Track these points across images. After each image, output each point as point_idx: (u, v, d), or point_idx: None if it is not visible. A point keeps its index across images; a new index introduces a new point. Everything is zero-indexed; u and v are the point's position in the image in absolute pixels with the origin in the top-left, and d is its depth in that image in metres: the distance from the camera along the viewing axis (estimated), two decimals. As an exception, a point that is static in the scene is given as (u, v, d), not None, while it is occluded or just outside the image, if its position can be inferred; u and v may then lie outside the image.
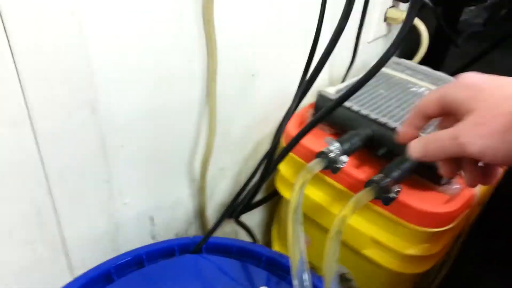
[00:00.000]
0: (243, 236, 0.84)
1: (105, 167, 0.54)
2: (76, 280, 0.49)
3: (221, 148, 0.70)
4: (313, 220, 0.70)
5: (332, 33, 0.47)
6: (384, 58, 0.44)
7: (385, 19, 0.94)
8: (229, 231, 0.85)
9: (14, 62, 0.40)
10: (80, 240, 0.56)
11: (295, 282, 0.49)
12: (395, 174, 0.59)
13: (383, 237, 0.64)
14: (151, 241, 0.69)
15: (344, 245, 0.67)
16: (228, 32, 0.60)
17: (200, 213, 0.76)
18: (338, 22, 0.46)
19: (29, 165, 0.46)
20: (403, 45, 1.05)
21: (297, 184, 0.56)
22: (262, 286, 0.51)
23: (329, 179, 0.67)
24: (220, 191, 0.79)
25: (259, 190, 0.65)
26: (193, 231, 0.78)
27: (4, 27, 0.38)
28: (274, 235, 0.88)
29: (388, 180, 0.57)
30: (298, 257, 0.50)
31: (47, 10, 0.40)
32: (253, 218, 0.90)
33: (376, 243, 0.65)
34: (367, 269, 0.69)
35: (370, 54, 0.95)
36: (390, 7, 0.94)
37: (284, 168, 0.75)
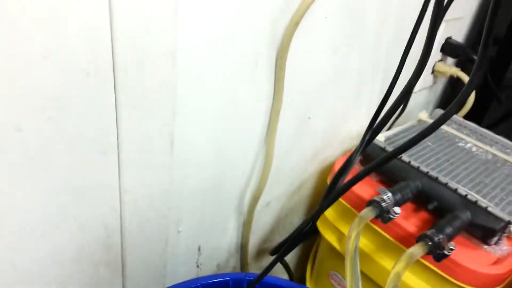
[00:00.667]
0: (279, 270, 0.85)
1: (169, 196, 0.57)
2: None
3: (271, 184, 0.72)
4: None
5: (403, 88, 0.49)
6: (447, 115, 0.45)
7: (433, 71, 0.97)
8: (265, 264, 0.86)
9: (115, 99, 0.43)
10: (137, 265, 0.57)
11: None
12: (448, 230, 0.60)
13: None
14: (195, 270, 0.71)
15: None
16: (296, 78, 0.63)
17: (243, 246, 0.77)
18: (409, 79, 0.48)
19: (109, 191, 0.48)
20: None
21: (353, 233, 0.57)
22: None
23: (377, 228, 0.68)
24: (263, 225, 0.80)
25: (307, 234, 0.66)
26: (233, 262, 0.79)
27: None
28: (308, 272, 0.89)
29: (441, 236, 0.58)
30: None
31: (152, 51, 0.43)
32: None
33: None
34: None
35: (414, 103, 0.98)
36: (438, 61, 0.96)
37: (327, 210, 0.76)
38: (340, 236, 0.73)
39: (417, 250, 0.58)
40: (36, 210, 0.43)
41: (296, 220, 0.89)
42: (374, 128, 0.57)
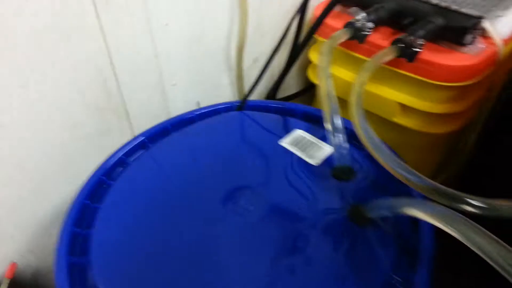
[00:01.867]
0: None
1: (153, 43, 0.61)
2: (141, 134, 0.59)
3: (255, 39, 0.75)
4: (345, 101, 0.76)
5: None
6: None
7: None
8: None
9: None
10: (140, 113, 0.64)
11: (328, 126, 0.54)
12: (420, 32, 0.62)
13: (411, 102, 0.68)
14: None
15: (375, 116, 0.73)
16: None
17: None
18: None
19: (92, 31, 0.54)
20: None
21: (324, 57, 0.60)
22: (297, 129, 0.58)
23: (357, 55, 0.70)
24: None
25: (290, 68, 0.71)
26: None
27: None
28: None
29: (412, 37, 0.61)
30: (329, 106, 0.55)
31: None
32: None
33: (405, 108, 0.70)
34: (399, 137, 0.73)
35: None
36: None
37: (314, 56, 0.80)
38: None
39: (387, 52, 0.61)
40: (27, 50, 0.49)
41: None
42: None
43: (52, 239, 0.64)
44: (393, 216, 0.46)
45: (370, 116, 0.55)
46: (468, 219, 0.36)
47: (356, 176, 0.51)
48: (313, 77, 0.82)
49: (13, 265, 0.52)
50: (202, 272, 0.42)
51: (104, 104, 0.60)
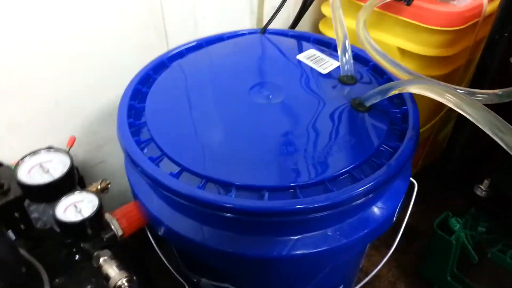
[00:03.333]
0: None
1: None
2: (180, 46, 0.70)
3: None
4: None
5: None
6: None
7: None
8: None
9: None
10: (177, 32, 0.76)
11: (339, 45, 0.66)
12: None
13: (409, 46, 0.80)
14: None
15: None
16: None
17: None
18: None
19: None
20: None
21: None
22: (310, 49, 0.70)
23: (361, 3, 0.82)
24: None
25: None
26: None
27: None
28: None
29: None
30: (342, 35, 0.66)
31: None
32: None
33: (404, 53, 0.82)
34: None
35: None
36: None
37: (326, 10, 0.91)
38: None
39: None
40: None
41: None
42: None
43: (96, 135, 0.75)
44: (388, 108, 0.58)
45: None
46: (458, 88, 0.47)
47: (357, 81, 0.63)
48: (324, 30, 0.94)
49: (73, 138, 0.64)
50: (233, 133, 0.54)
51: (147, 20, 0.72)
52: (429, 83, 0.50)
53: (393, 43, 0.82)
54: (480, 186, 0.77)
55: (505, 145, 0.45)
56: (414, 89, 0.52)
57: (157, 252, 0.63)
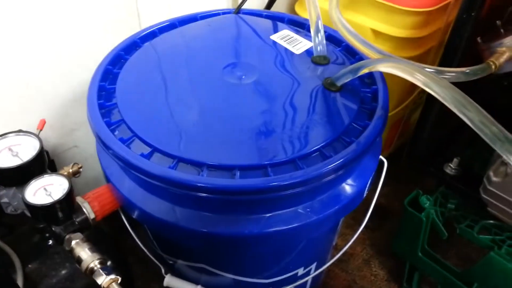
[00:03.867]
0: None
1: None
2: (152, 25, 0.69)
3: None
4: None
5: None
6: None
7: None
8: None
9: None
10: (149, 13, 0.74)
11: (312, 25, 0.66)
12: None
13: (382, 28, 0.81)
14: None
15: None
16: None
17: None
18: None
19: None
20: None
21: None
22: (284, 29, 0.70)
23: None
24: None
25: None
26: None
27: None
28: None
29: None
30: (315, 15, 0.66)
31: None
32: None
33: (377, 34, 0.82)
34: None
35: None
36: None
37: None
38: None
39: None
40: None
41: None
42: None
43: (69, 119, 0.74)
44: (359, 88, 0.59)
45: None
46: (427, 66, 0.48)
47: (330, 62, 0.63)
48: (300, 11, 0.94)
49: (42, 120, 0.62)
50: (206, 113, 0.54)
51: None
52: (398, 61, 0.51)
53: (366, 25, 0.83)
54: (450, 164, 0.79)
55: (470, 122, 0.47)
56: (384, 68, 0.52)
57: (131, 235, 0.62)
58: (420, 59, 0.89)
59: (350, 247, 0.64)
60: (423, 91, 0.50)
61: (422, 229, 0.79)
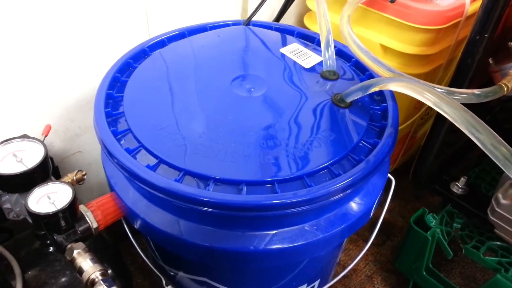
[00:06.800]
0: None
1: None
2: (162, 34, 0.69)
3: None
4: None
5: None
6: None
7: None
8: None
9: None
10: (159, 22, 0.74)
11: (322, 40, 0.65)
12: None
13: (391, 44, 0.81)
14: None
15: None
16: None
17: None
18: None
19: None
20: None
21: None
22: (294, 42, 0.69)
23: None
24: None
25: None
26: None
27: None
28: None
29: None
30: (325, 30, 0.66)
31: None
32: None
33: (386, 50, 0.82)
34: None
35: None
36: None
37: (312, 4, 0.91)
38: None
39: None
40: None
41: None
42: None
43: (74, 124, 0.73)
44: (368, 105, 0.58)
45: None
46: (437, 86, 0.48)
47: (339, 77, 0.63)
48: (309, 24, 0.94)
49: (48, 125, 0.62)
50: (213, 125, 0.53)
51: (129, 8, 0.70)
52: (409, 81, 0.51)
53: (376, 40, 0.83)
54: (457, 183, 0.78)
55: (481, 144, 0.46)
56: (394, 87, 0.52)
57: (133, 245, 0.62)
58: (429, 76, 0.89)
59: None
60: (430, 107, 0.49)
61: (428, 248, 0.78)
